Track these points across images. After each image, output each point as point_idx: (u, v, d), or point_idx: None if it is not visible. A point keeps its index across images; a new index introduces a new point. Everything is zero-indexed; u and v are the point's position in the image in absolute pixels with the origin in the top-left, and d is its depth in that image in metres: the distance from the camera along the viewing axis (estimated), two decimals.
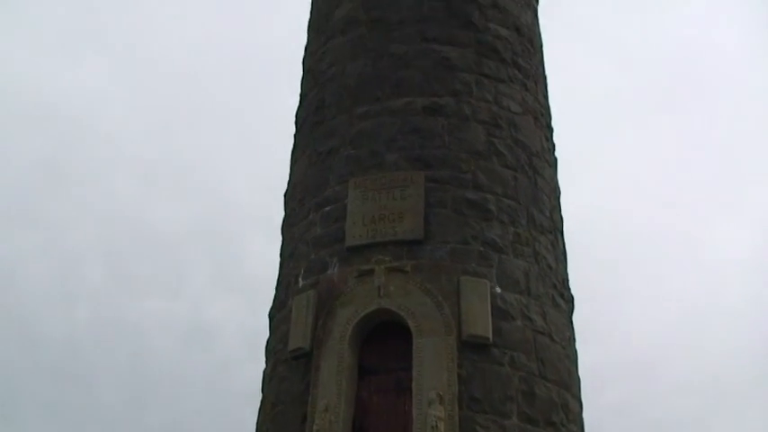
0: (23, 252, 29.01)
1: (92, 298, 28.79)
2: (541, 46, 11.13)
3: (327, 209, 9.03)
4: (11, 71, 31.16)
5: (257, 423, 8.72)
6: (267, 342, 9.21)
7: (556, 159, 10.29)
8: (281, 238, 9.84)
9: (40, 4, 32.48)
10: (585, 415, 8.69)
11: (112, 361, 27.53)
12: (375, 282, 8.25)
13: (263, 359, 9.17)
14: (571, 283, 9.46)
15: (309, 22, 11.23)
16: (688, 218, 29.41)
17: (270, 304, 9.38)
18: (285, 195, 10.12)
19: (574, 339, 9.04)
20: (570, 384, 8.48)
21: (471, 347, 7.86)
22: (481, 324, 7.95)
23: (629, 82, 31.94)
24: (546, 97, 10.67)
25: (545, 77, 10.88)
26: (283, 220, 9.95)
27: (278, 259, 9.69)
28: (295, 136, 10.47)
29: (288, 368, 8.38)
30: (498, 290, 8.29)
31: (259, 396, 8.91)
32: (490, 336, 7.92)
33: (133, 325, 28.26)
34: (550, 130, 10.48)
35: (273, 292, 9.42)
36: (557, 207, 9.79)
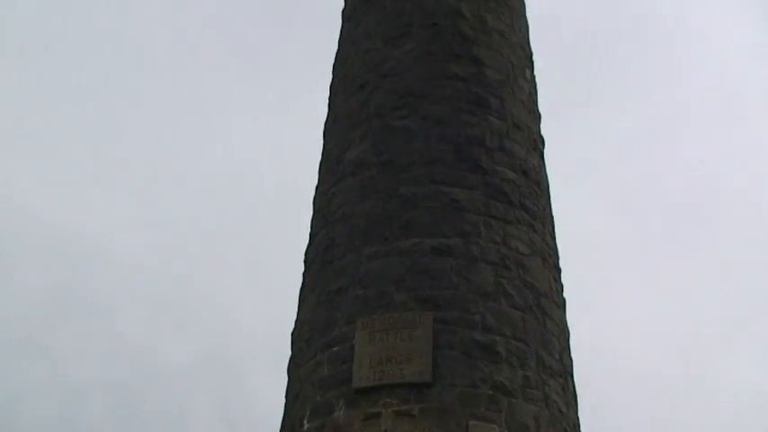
0: (25, 383, 28.65)
1: None
2: (548, 188, 11.34)
3: (335, 349, 9.01)
4: (22, 198, 31.73)
5: None
6: None
7: (564, 300, 10.31)
8: (286, 378, 9.75)
9: (55, 131, 33.45)
10: None
11: None
12: (382, 425, 8.13)
13: None
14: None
15: (320, 162, 11.52)
16: (696, 354, 28.99)
17: None
18: (292, 334, 10.11)
19: None
20: None
21: None
22: None
23: (634, 221, 32.27)
24: (553, 238, 10.80)
25: (552, 219, 11.04)
26: (290, 360, 9.89)
27: (283, 399, 9.57)
28: (304, 275, 10.56)
29: None
30: None
31: None
32: None
33: None
34: (558, 270, 10.55)
35: None
36: (566, 349, 9.73)
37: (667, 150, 33.25)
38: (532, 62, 12.43)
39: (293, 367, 9.69)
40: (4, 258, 30.62)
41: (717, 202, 32.08)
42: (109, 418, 28.40)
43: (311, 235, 10.81)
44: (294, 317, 10.27)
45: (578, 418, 9.30)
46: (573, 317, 10.39)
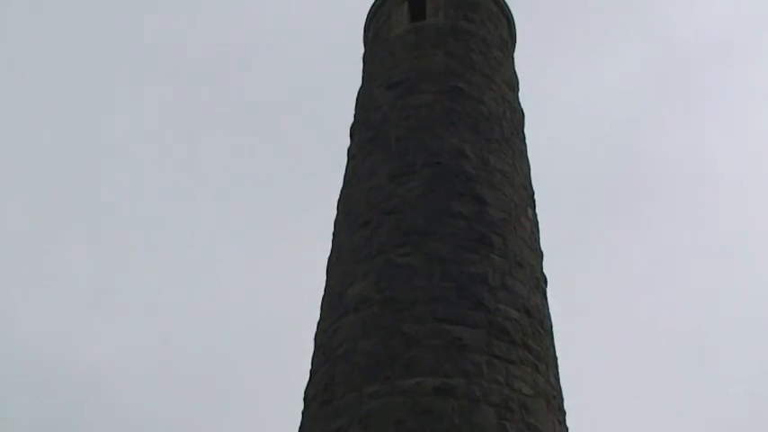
0: None
1: None
2: (551, 327, 11.27)
3: None
4: (22, 329, 31.55)
5: None
6: None
7: None
8: None
9: (59, 260, 33.57)
10: None
11: None
12: None
13: None
14: None
15: (323, 298, 11.50)
16: None
17: None
18: None
19: None
20: None
21: None
22: None
23: (638, 360, 31.88)
24: (557, 379, 10.62)
25: (556, 359, 10.90)
26: None
27: None
28: (303, 413, 10.34)
29: None
30: None
31: None
32: None
33: None
34: (563, 413, 10.33)
35: None
36: None
37: (669, 289, 33.24)
38: (534, 201, 12.61)
39: None
40: (3, 384, 30.19)
41: (717, 339, 31.81)
42: None
43: (311, 372, 10.66)
44: None
45: None
46: None
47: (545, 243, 12.50)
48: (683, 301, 33.18)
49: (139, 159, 36.26)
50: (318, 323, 11.24)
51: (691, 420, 30.11)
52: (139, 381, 32.15)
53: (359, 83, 14.34)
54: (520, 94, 14.06)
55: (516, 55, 15.25)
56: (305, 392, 10.55)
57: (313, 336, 11.23)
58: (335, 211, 12.52)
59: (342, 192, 12.51)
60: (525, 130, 13.59)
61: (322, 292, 11.63)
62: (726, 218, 34.73)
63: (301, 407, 10.49)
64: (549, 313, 11.39)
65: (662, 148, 36.08)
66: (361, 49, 15.20)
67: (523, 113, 13.73)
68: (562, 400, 10.51)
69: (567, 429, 10.23)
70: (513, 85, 13.83)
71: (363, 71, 14.33)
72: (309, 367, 10.80)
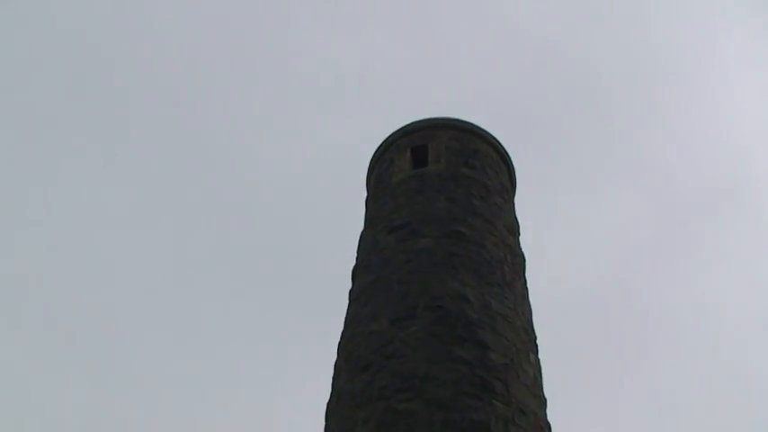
0: None
1: None
2: None
3: None
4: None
5: None
6: None
7: None
8: None
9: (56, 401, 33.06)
10: None
11: None
12: None
13: None
14: None
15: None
16: None
17: None
18: None
19: None
20: None
21: None
22: None
23: None
24: None
25: None
26: None
27: None
28: None
29: None
30: None
31: None
32: None
33: None
34: None
35: None
36: None
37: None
38: (536, 346, 12.51)
39: None
40: None
41: None
42: None
43: None
44: None
45: None
46: None
47: (548, 388, 12.31)
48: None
49: (138, 295, 36.30)
50: None
51: None
52: None
53: (360, 226, 14.55)
54: (521, 239, 14.24)
55: (516, 200, 15.55)
56: None
57: None
58: (335, 355, 12.41)
59: (342, 335, 12.45)
60: (526, 275, 13.66)
61: None
62: (726, 359, 34.34)
63: None
64: None
65: (661, 290, 36.11)
66: (364, 194, 15.52)
67: (524, 258, 13.85)
68: None
69: None
70: (513, 229, 14.02)
71: (365, 215, 14.57)
72: None
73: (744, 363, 33.77)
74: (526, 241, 14.76)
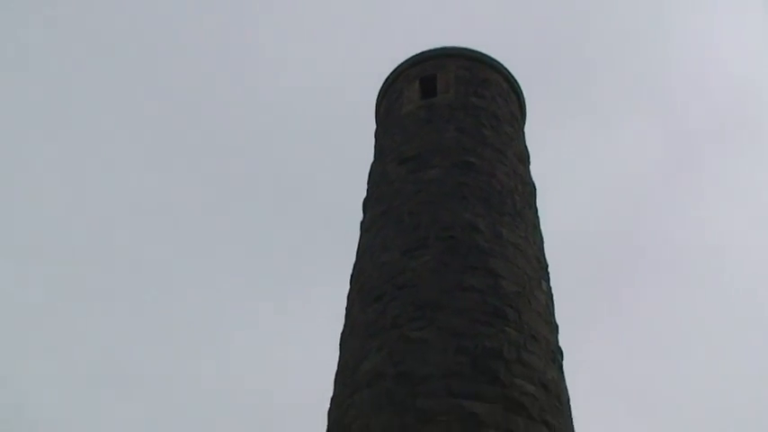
0: None
1: None
2: (569, 401, 11.06)
3: None
4: (22, 397, 31.38)
5: None
6: None
7: None
8: None
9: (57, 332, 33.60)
10: None
11: None
12: None
13: None
14: None
15: (336, 373, 11.38)
16: None
17: None
18: None
19: None
20: None
21: None
22: None
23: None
24: None
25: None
26: None
27: None
28: None
29: None
30: None
31: None
32: None
33: None
34: None
35: None
36: None
37: (687, 360, 32.80)
38: (548, 273, 12.55)
39: None
40: None
41: (729, 415, 31.24)
42: None
43: None
44: None
45: None
46: None
47: (560, 316, 12.39)
48: (701, 371, 32.65)
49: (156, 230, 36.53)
50: (332, 399, 11.09)
51: None
52: None
53: (370, 158, 14.50)
54: (531, 168, 14.16)
55: (527, 129, 15.42)
56: None
57: (326, 411, 11.06)
58: (348, 286, 12.49)
59: (355, 266, 12.50)
60: (537, 204, 13.63)
61: (335, 368, 11.52)
62: (739, 289, 34.46)
63: None
64: (565, 387, 11.20)
65: (672, 220, 36.06)
66: (373, 126, 15.41)
67: (535, 187, 13.80)
68: None
69: None
70: (524, 158, 13.94)
71: (375, 147, 14.50)
72: None
73: (750, 293, 33.87)
74: (536, 172, 14.67)
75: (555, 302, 12.38)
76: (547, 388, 10.55)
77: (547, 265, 12.65)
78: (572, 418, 10.89)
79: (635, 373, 33.27)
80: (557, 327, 11.99)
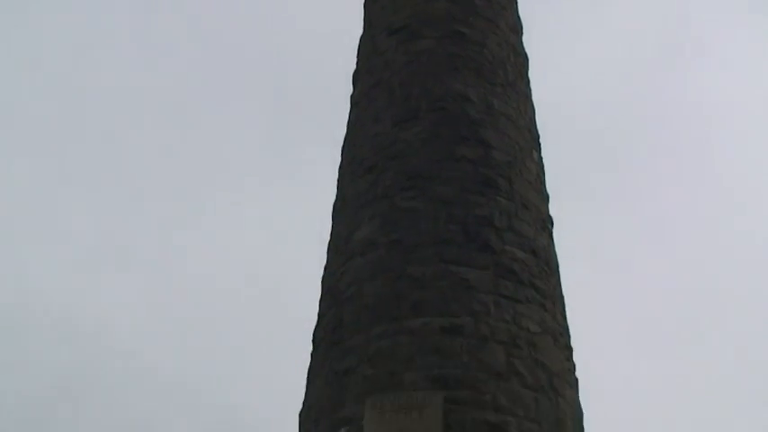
0: None
1: None
2: (558, 267, 11.30)
3: (343, 430, 8.82)
4: (32, 286, 31.95)
5: None
6: None
7: (577, 380, 10.14)
8: None
9: (63, 220, 33.87)
10: None
11: None
12: None
13: None
14: None
15: (329, 243, 11.54)
16: None
17: None
18: (300, 415, 9.93)
19: None
20: None
21: None
22: None
23: (646, 310, 32.06)
24: (564, 317, 10.69)
25: (562, 298, 10.95)
26: None
27: None
28: (312, 355, 10.44)
29: None
30: None
31: None
32: None
33: None
34: (570, 349, 10.41)
35: None
36: (580, 430, 9.52)
37: (677, 236, 33.28)
38: (539, 144, 12.57)
39: None
40: (15, 340, 30.70)
41: (726, 294, 31.90)
42: None
43: (319, 315, 10.74)
44: (302, 398, 10.11)
45: None
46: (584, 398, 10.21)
47: (552, 186, 12.47)
48: (692, 252, 33.17)
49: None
50: (325, 267, 11.29)
51: (692, 370, 30.32)
52: (147, 338, 32.50)
53: (359, 31, 14.24)
54: (524, 39, 13.94)
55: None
56: (313, 335, 10.64)
57: (320, 280, 11.28)
58: (339, 159, 12.51)
59: (345, 139, 12.49)
60: (530, 75, 13.50)
61: (327, 239, 11.67)
62: (738, 164, 34.62)
63: (310, 349, 10.58)
64: (555, 253, 11.41)
65: (669, 92, 35.81)
66: None
67: (527, 57, 13.62)
68: (569, 337, 10.58)
69: (574, 366, 10.31)
70: (516, 29, 13.70)
71: (364, 18, 14.20)
72: (318, 311, 10.87)
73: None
74: (530, 42, 14.43)
75: (546, 173, 12.45)
76: (537, 254, 10.76)
77: (538, 136, 12.66)
78: (561, 283, 11.14)
79: (627, 246, 33.84)
80: (548, 196, 12.11)
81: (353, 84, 13.39)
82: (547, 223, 11.56)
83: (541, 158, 12.42)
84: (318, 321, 10.68)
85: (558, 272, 11.26)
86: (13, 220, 34.06)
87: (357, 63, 13.51)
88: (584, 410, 9.90)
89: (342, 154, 12.42)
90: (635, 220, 33.70)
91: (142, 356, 31.68)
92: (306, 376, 10.29)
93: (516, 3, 14.54)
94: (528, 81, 13.28)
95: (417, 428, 8.48)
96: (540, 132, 12.77)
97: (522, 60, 13.33)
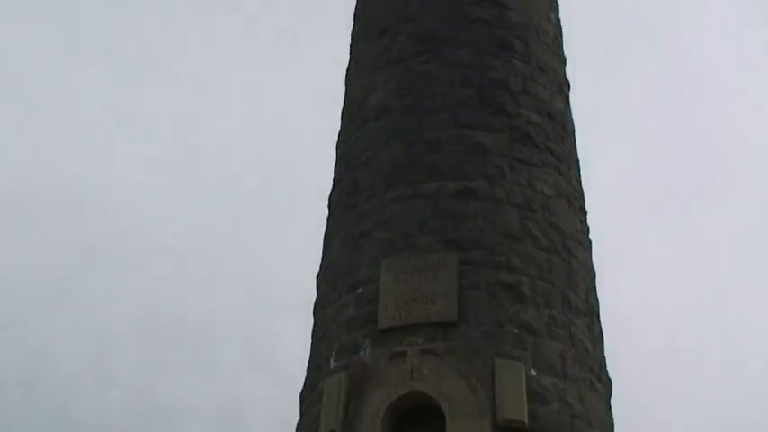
0: (57, 335, 29.30)
1: (124, 381, 28.86)
2: (573, 131, 11.21)
3: (360, 291, 9.01)
4: (52, 158, 32.13)
5: None
6: (298, 425, 9.07)
7: (590, 242, 10.24)
8: (312, 321, 9.81)
9: (80, 95, 33.69)
10: None
11: None
12: (408, 364, 8.15)
13: None
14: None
15: (343, 108, 11.47)
16: (726, 306, 28.95)
17: (301, 387, 9.30)
18: (317, 278, 10.14)
19: (612, 424, 8.80)
20: None
21: None
22: (516, 408, 7.77)
23: (659, 172, 32.02)
24: (579, 181, 10.69)
25: (578, 162, 10.92)
26: (315, 302, 9.93)
27: (309, 342, 9.63)
28: (328, 220, 10.55)
29: None
30: (534, 372, 8.13)
31: None
32: (525, 420, 7.73)
33: (165, 408, 28.22)
34: (584, 212, 10.46)
35: (304, 374, 9.35)
36: (592, 290, 9.68)
37: (695, 101, 32.85)
38: (557, 5, 12.24)
39: (319, 309, 9.74)
40: (32, 211, 31.14)
41: (742, 155, 31.73)
42: (140, 365, 29.03)
43: (334, 180, 10.79)
44: (319, 262, 10.29)
45: (604, 357, 9.28)
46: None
47: (570, 50, 12.21)
48: (708, 115, 32.79)
49: None
50: (339, 133, 11.25)
51: (704, 233, 30.54)
52: (166, 207, 32.85)
53: None
54: None
55: None
56: (329, 199, 10.71)
57: (335, 145, 11.27)
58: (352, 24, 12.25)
59: (358, 1, 12.18)
60: None
61: (341, 104, 11.58)
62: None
63: (326, 214, 10.68)
64: (571, 117, 11.30)
65: None
66: None
67: None
68: (583, 200, 10.62)
69: (587, 228, 10.39)
70: None
71: None
72: (333, 176, 10.92)
73: None
74: None
75: (564, 35, 12.17)
76: (552, 117, 10.66)
77: None
78: (576, 147, 11.08)
79: (642, 112, 33.51)
80: (564, 59, 11.88)
81: None
82: (563, 86, 11.39)
83: (559, 20, 12.12)
84: (333, 186, 10.74)
85: (574, 135, 11.18)
86: (22, 89, 33.88)
87: None
88: (596, 272, 10.04)
89: (354, 17, 12.16)
90: (653, 89, 33.19)
91: (163, 226, 32.11)
92: (323, 240, 10.43)
93: None
94: None
95: (432, 289, 8.64)
96: None
97: None
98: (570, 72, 11.88)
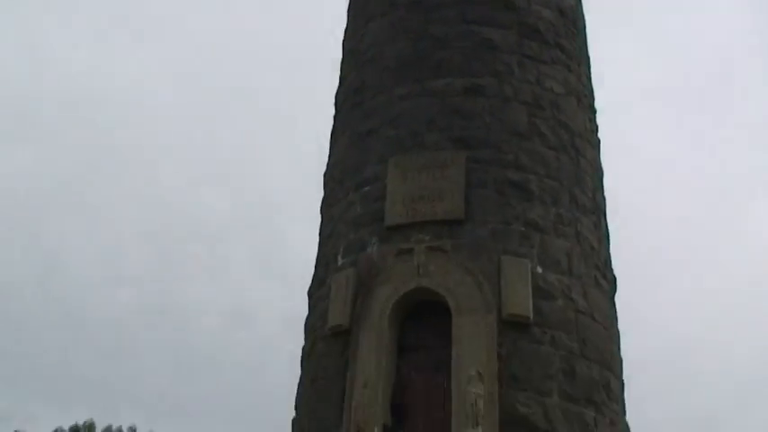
0: (70, 236, 29.65)
1: (136, 281, 29.35)
2: (585, 27, 10.97)
3: (367, 189, 8.99)
4: (61, 57, 31.77)
5: (296, 398, 8.75)
6: (306, 320, 9.21)
7: (599, 140, 10.14)
8: (319, 219, 9.82)
9: None
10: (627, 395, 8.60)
11: (156, 340, 28.13)
12: (414, 261, 8.20)
13: (303, 338, 9.16)
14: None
15: (349, 4, 11.21)
16: (726, 210, 29.10)
17: (309, 284, 9.38)
18: (324, 176, 10.10)
19: (616, 320, 8.92)
20: (612, 364, 8.36)
21: (511, 326, 7.78)
22: (522, 303, 7.86)
23: (666, 76, 31.60)
24: (589, 79, 10.51)
25: (588, 59, 10.71)
26: (322, 201, 9.92)
27: (316, 241, 9.67)
28: (334, 117, 10.45)
29: (327, 345, 8.39)
30: (539, 270, 8.18)
31: (298, 372, 8.92)
32: (531, 315, 7.83)
33: (176, 306, 28.80)
34: (593, 111, 10.32)
35: (312, 271, 9.42)
36: (599, 188, 9.64)
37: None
38: None
39: (326, 207, 9.74)
40: (41, 118, 30.98)
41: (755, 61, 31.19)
42: (152, 264, 29.46)
43: (341, 78, 10.62)
44: (326, 161, 10.24)
45: (610, 255, 9.32)
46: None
47: None
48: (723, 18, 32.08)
49: None
50: (345, 29, 11.03)
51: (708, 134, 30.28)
52: (172, 106, 32.64)
53: None
54: None
55: None
56: (335, 97, 10.58)
57: (341, 42, 11.05)
58: None
59: None
60: None
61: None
62: None
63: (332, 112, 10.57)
64: (582, 13, 11.03)
65: None
66: None
67: None
68: (593, 98, 10.46)
69: (597, 127, 10.27)
70: None
71: None
72: (339, 74, 10.74)
73: None
74: None
75: None
76: (563, 13, 10.40)
77: None
78: (587, 44, 10.86)
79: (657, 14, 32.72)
80: None
81: None
82: None
83: None
84: (340, 84, 10.58)
85: (585, 32, 10.94)
86: None
87: None
88: (604, 170, 9.98)
89: None
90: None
91: (168, 129, 31.96)
92: (330, 138, 10.35)
93: None
94: None
95: (440, 187, 8.59)
96: None
97: None
98: None
